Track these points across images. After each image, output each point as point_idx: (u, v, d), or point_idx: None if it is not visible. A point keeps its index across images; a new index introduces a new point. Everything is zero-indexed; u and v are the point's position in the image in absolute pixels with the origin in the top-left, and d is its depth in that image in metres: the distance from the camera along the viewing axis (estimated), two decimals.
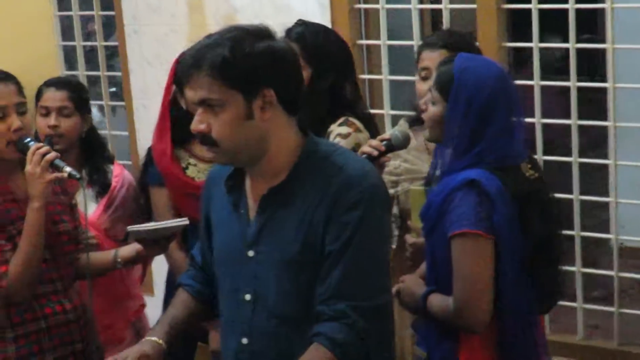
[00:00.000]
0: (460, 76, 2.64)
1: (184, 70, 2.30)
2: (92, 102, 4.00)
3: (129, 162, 5.06)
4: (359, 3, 4.38)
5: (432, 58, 3.16)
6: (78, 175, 3.10)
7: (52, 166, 2.98)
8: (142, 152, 4.30)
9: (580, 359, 4.19)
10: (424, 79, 3.16)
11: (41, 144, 2.99)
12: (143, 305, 3.93)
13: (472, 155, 2.62)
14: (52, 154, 2.99)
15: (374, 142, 2.99)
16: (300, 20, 3.47)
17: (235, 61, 2.21)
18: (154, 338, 2.46)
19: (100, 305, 3.53)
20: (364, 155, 2.90)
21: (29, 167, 2.94)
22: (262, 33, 2.30)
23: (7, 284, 2.94)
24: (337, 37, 3.54)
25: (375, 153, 2.92)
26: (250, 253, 2.39)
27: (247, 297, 2.40)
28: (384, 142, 2.98)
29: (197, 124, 2.28)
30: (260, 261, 2.37)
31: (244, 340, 2.43)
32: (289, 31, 3.36)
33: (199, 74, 2.23)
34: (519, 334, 2.65)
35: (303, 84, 2.38)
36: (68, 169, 3.02)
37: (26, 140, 3.02)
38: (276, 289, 2.36)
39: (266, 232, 2.37)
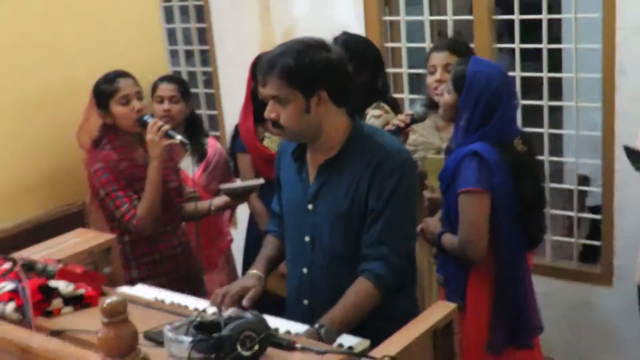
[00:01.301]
0: (473, 77, 2.77)
1: (260, 72, 2.43)
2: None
3: (218, 134, 5.13)
4: (386, 15, 4.45)
5: (438, 58, 3.30)
6: (187, 141, 3.31)
7: (166, 135, 3.18)
8: (228, 127, 4.56)
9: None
10: (431, 73, 3.31)
11: (157, 119, 3.21)
12: (231, 240, 4.15)
13: (478, 134, 2.76)
14: (166, 126, 3.21)
15: (401, 116, 3.19)
16: (344, 31, 3.59)
17: (298, 69, 2.33)
18: (255, 271, 2.56)
19: (204, 240, 3.82)
20: (394, 127, 3.10)
21: (149, 136, 3.16)
22: (320, 45, 2.41)
23: (136, 222, 3.17)
24: (371, 44, 3.71)
25: (402, 125, 3.13)
26: (310, 207, 2.51)
27: (307, 239, 2.53)
28: (409, 116, 3.15)
29: (269, 113, 2.43)
30: (317, 213, 2.50)
31: (304, 270, 2.55)
32: (336, 39, 3.50)
33: (271, 76, 2.36)
34: (513, 266, 2.81)
35: (351, 84, 2.51)
36: (179, 137, 3.26)
37: (145, 117, 3.24)
38: (329, 234, 2.48)
39: (322, 192, 2.49)
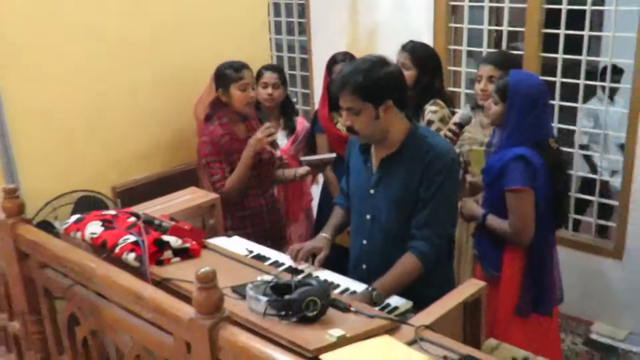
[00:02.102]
0: (516, 86, 2.63)
1: (336, 89, 2.37)
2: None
3: (309, 108, 5.16)
4: (451, 22, 4.33)
5: (484, 69, 3.14)
6: (282, 159, 3.45)
7: (272, 144, 3.25)
8: (316, 103, 4.40)
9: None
10: (478, 82, 3.16)
11: (270, 125, 3.20)
12: (311, 199, 4.11)
13: (522, 138, 2.62)
14: (276, 136, 3.29)
15: (451, 127, 3.04)
16: (410, 40, 3.47)
17: (367, 85, 2.28)
18: (325, 235, 2.58)
19: (289, 198, 3.88)
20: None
21: (259, 135, 3.15)
22: (382, 62, 2.35)
23: (224, 190, 3.15)
24: (432, 50, 3.57)
25: (454, 137, 3.01)
26: (372, 191, 2.48)
27: (368, 217, 2.50)
28: (457, 125, 3.02)
29: (345, 121, 2.39)
30: (378, 197, 2.46)
31: (364, 242, 2.54)
32: (404, 46, 3.44)
33: (344, 92, 2.32)
34: (544, 244, 2.71)
35: (408, 91, 2.46)
36: (278, 152, 3.41)
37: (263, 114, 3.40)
38: (386, 215, 2.45)
39: (383, 181, 2.45)
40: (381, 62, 2.32)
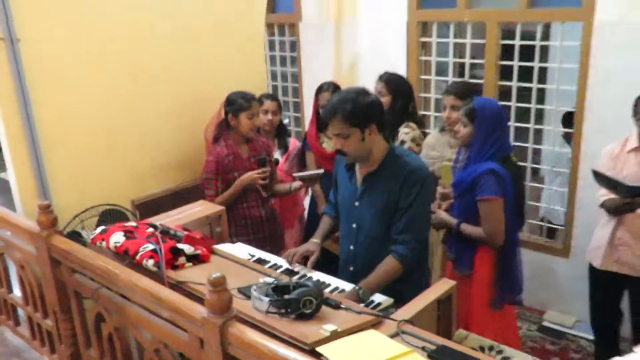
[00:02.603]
0: (482, 110, 2.65)
1: (326, 116, 2.36)
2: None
3: (300, 129, 5.20)
4: (422, 56, 4.36)
5: (447, 99, 3.17)
6: (264, 194, 3.34)
7: (261, 184, 3.23)
8: (306, 126, 4.31)
9: None
10: (444, 109, 3.18)
11: (266, 170, 3.22)
12: (304, 209, 4.07)
13: (489, 154, 2.62)
14: (264, 182, 3.22)
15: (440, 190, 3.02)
16: (386, 71, 3.50)
17: (355, 112, 2.28)
18: (315, 240, 2.57)
19: (285, 209, 3.84)
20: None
21: (255, 175, 3.16)
22: (365, 92, 2.35)
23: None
24: (405, 80, 3.55)
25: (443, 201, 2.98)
26: (357, 203, 2.47)
27: (354, 225, 2.50)
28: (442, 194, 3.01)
29: (335, 145, 2.38)
30: (362, 208, 2.45)
31: (351, 247, 2.52)
32: (381, 77, 3.47)
33: (334, 119, 2.31)
34: (512, 243, 2.71)
35: (385, 115, 2.41)
36: (263, 193, 3.31)
37: (263, 156, 3.28)
38: (370, 223, 2.44)
39: (366, 194, 2.44)
40: (363, 92, 2.32)
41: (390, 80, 3.38)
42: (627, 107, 2.91)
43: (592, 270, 3.18)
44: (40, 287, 2.54)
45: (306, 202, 4.11)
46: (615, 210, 2.91)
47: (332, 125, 2.31)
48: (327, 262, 2.63)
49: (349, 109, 2.24)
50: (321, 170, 3.47)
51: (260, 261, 2.50)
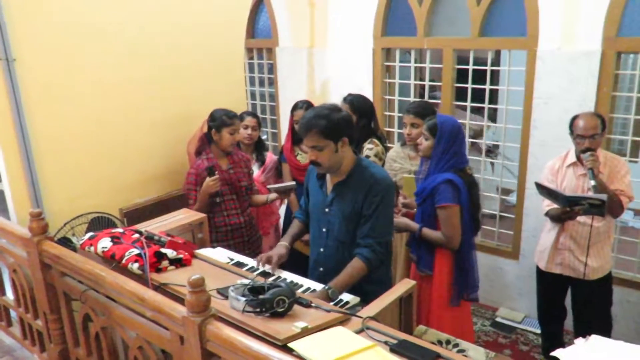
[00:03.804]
0: (442, 126, 2.65)
1: (301, 130, 2.33)
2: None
3: (277, 144, 5.13)
4: (386, 79, 4.38)
5: (407, 118, 3.19)
6: (219, 200, 3.19)
7: (217, 190, 3.12)
8: (282, 140, 4.34)
9: None
10: (404, 126, 3.20)
11: (217, 178, 3.07)
12: (279, 217, 3.99)
13: (447, 166, 2.63)
14: (216, 189, 3.09)
15: (401, 201, 3.02)
16: (349, 93, 3.48)
17: (329, 126, 2.27)
18: (284, 243, 2.53)
19: (261, 217, 3.76)
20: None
21: (212, 184, 3.05)
22: (337, 108, 2.34)
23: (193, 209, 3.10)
24: (367, 100, 3.48)
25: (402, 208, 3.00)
26: (327, 210, 2.45)
27: (324, 230, 2.47)
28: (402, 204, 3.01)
29: (311, 156, 2.36)
30: (331, 214, 2.44)
31: (321, 249, 2.49)
32: (345, 98, 3.44)
33: (310, 133, 2.29)
34: (468, 246, 2.70)
35: (356, 129, 2.32)
36: (217, 199, 3.16)
37: (211, 166, 3.12)
38: (338, 228, 2.42)
39: (335, 201, 2.42)
40: (336, 108, 2.32)
41: (354, 101, 3.36)
42: (566, 127, 2.96)
43: (539, 271, 3.21)
44: (32, 289, 2.49)
45: (282, 210, 4.09)
46: (557, 218, 2.95)
47: (308, 138, 2.28)
48: (298, 263, 2.61)
49: (323, 123, 2.24)
50: (294, 183, 3.40)
51: (239, 264, 2.45)
